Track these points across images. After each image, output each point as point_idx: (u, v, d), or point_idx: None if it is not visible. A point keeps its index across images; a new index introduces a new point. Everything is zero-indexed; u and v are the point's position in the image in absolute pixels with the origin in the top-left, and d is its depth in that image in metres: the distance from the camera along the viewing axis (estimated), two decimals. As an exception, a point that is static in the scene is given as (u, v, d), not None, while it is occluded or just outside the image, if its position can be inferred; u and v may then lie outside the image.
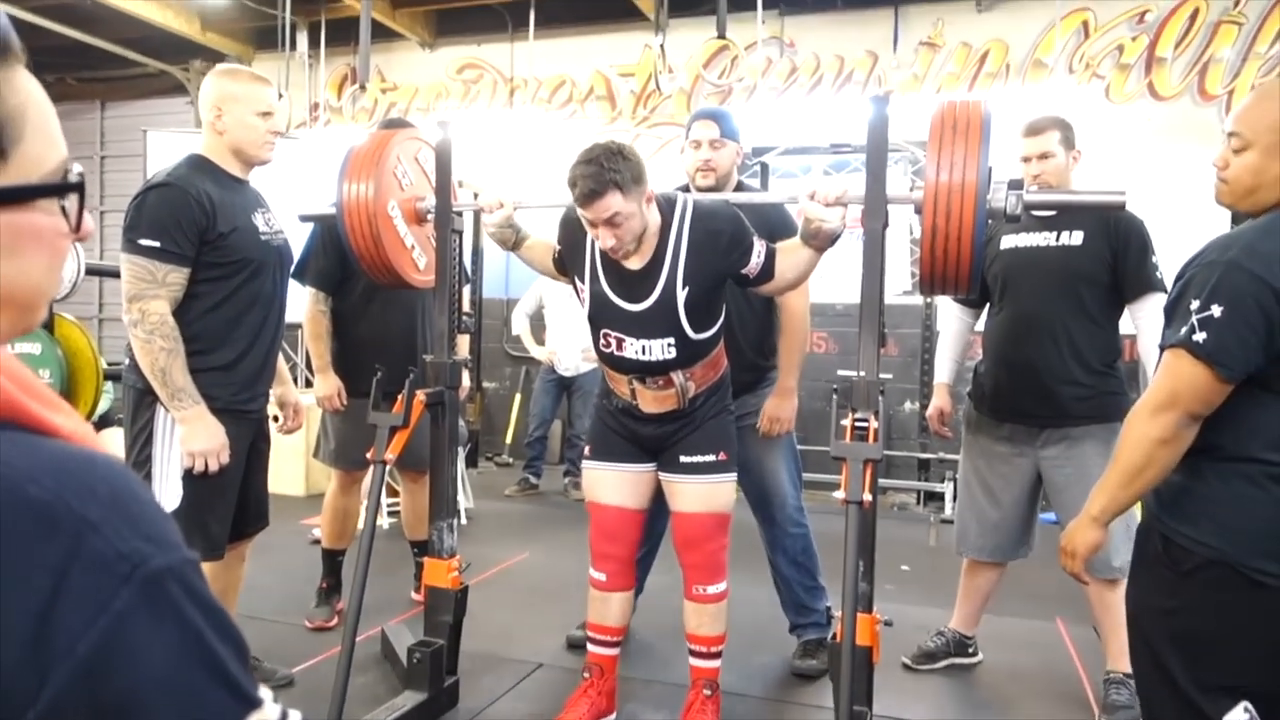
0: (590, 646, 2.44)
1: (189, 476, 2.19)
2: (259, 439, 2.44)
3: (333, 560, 3.25)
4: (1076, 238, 2.53)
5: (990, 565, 2.80)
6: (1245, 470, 1.46)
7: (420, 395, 2.35)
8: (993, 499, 2.71)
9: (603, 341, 2.24)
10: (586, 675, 2.42)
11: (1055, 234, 2.56)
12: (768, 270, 2.15)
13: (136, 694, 0.48)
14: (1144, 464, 1.51)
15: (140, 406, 2.23)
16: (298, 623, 3.11)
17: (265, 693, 0.54)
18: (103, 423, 6.26)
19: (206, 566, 2.31)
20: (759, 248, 2.14)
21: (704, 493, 2.27)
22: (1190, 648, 1.52)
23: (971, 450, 2.78)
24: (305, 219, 2.64)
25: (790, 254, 2.14)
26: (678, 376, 2.20)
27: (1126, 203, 2.00)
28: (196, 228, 2.16)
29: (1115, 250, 2.50)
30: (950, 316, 2.95)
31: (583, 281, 2.24)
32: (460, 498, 4.77)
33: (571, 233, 2.26)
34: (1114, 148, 5.35)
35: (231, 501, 2.32)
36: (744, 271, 2.15)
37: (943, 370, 2.92)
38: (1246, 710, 1.01)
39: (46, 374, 2.84)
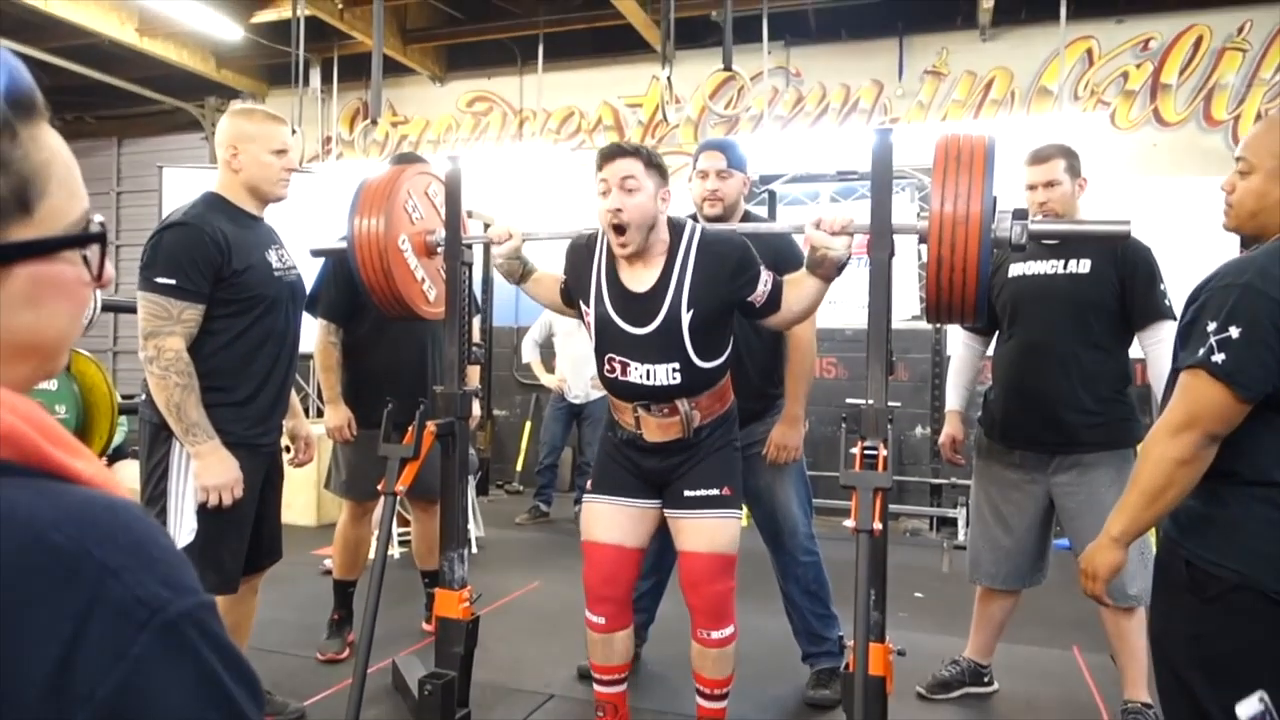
0: (598, 687, 2.38)
1: (203, 511, 2.20)
2: (273, 472, 2.45)
3: (344, 591, 3.25)
4: (1084, 266, 2.53)
5: (1004, 593, 2.77)
6: (1265, 494, 1.47)
7: (431, 426, 2.36)
8: (1005, 526, 2.69)
9: (607, 367, 2.21)
10: (601, 715, 2.39)
11: (1063, 262, 2.56)
12: (774, 301, 2.14)
13: None
14: (1165, 485, 1.52)
15: (156, 441, 2.25)
16: (309, 655, 3.11)
17: None
18: (117, 455, 6.33)
19: (220, 600, 2.31)
20: (766, 277, 2.14)
21: (709, 529, 2.21)
22: (1217, 673, 1.51)
23: (983, 477, 2.77)
24: (316, 254, 2.66)
25: (797, 286, 2.13)
26: (683, 405, 2.17)
27: (1131, 233, 2.00)
28: (211, 265, 2.19)
29: (1123, 278, 2.50)
30: (959, 344, 2.95)
31: (588, 305, 2.22)
32: (471, 526, 4.77)
33: (578, 257, 2.27)
34: (1120, 174, 5.37)
35: (245, 536, 2.32)
36: (750, 300, 2.14)
37: (954, 397, 2.92)
38: (1262, 700, 1.00)
39: (62, 409, 2.86)
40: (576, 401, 5.30)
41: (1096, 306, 2.51)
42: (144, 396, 2.27)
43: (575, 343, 5.23)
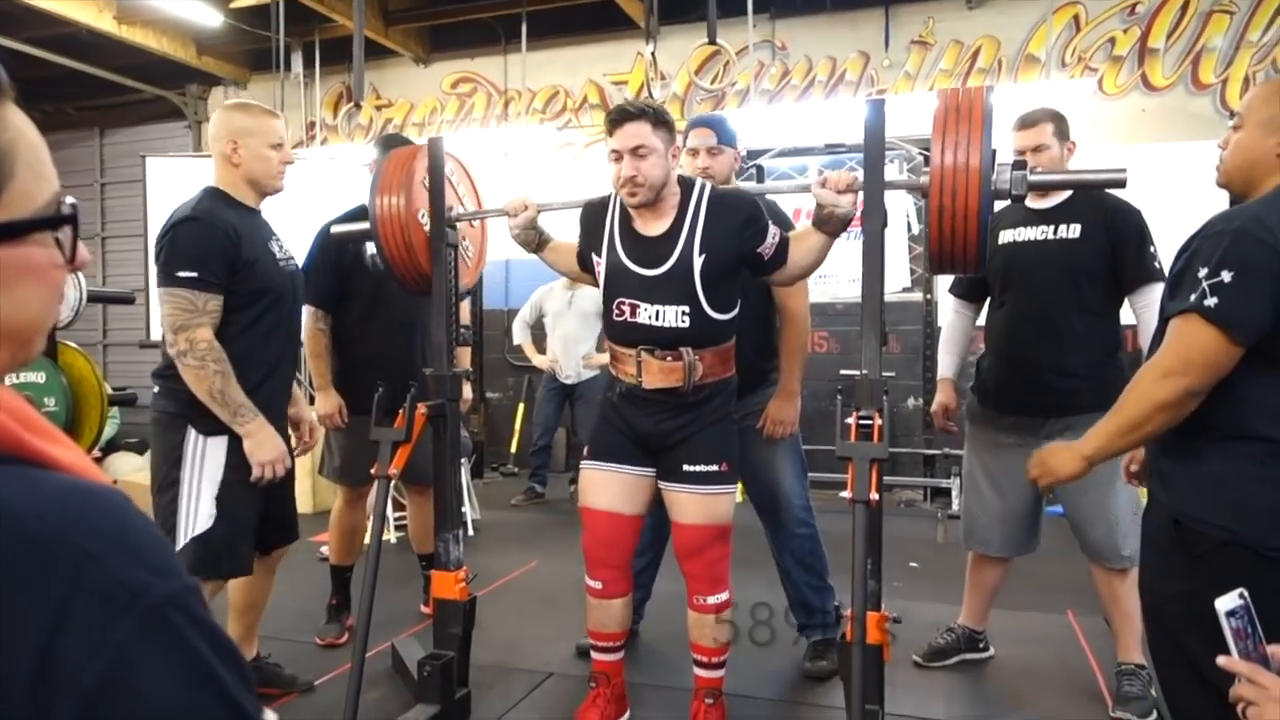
0: (594, 654, 2.43)
1: (218, 499, 2.24)
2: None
3: (341, 577, 3.26)
4: (1074, 230, 2.53)
5: (997, 560, 2.79)
6: (1252, 450, 1.48)
7: (421, 409, 2.36)
8: (998, 491, 2.70)
9: (615, 311, 2.24)
10: (593, 685, 2.42)
11: (1054, 228, 2.56)
12: (781, 255, 2.19)
13: None
14: (1142, 422, 1.56)
15: (170, 430, 2.28)
16: (308, 640, 3.11)
17: (270, 715, 0.54)
18: (110, 448, 6.31)
19: (236, 582, 2.39)
20: (774, 231, 2.19)
21: (705, 504, 2.25)
22: (1209, 629, 1.44)
23: (976, 444, 2.78)
24: (339, 234, 2.69)
25: (803, 241, 2.19)
26: (687, 353, 2.18)
27: (1128, 179, 2.01)
28: (226, 257, 2.23)
29: (1114, 242, 2.50)
30: (951, 311, 2.95)
31: (600, 256, 2.28)
32: (466, 509, 4.78)
33: (592, 214, 2.34)
34: (1109, 140, 5.36)
35: (255, 519, 2.36)
36: (759, 251, 2.18)
37: (945, 365, 2.92)
38: (1242, 596, 1.02)
39: (52, 401, 2.85)
40: (568, 381, 5.29)
41: (1088, 271, 2.51)
42: (157, 388, 2.31)
43: (565, 323, 5.22)
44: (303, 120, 6.98)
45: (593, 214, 2.34)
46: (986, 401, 2.72)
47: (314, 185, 5.52)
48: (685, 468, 2.24)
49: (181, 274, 2.18)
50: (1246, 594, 1.02)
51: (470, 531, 4.72)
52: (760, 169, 5.57)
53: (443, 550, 2.51)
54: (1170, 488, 1.57)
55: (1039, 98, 5.48)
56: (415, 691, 2.50)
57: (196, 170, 6.41)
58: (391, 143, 3.03)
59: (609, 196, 2.30)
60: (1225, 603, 1.02)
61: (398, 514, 4.56)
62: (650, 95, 6.26)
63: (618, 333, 2.27)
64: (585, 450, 2.41)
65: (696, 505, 2.24)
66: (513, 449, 6.53)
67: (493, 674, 2.81)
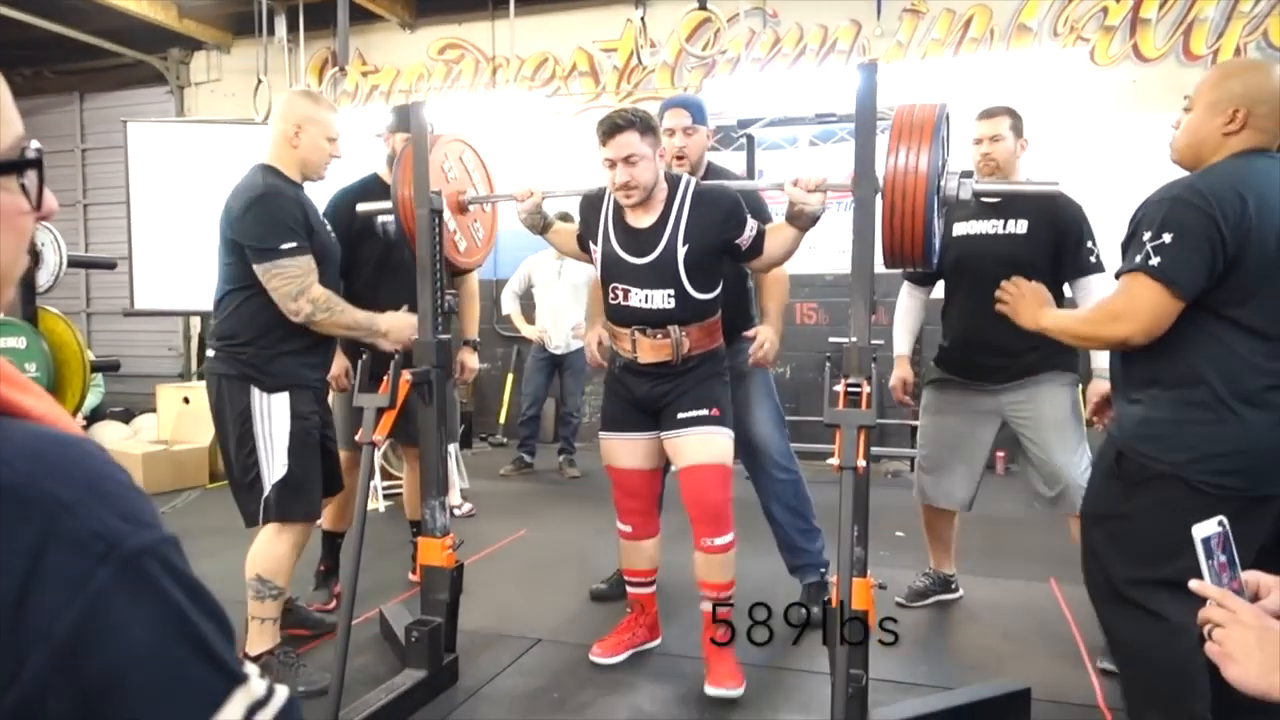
0: (629, 588, 2.74)
1: (289, 450, 2.46)
2: (324, 410, 2.71)
3: (332, 543, 3.26)
4: (1021, 226, 2.72)
5: (947, 512, 3.00)
6: (1196, 396, 1.70)
7: (406, 375, 2.37)
8: (958, 451, 2.88)
9: (611, 295, 2.48)
10: (630, 610, 2.76)
11: (1003, 222, 2.75)
12: (757, 245, 2.41)
13: (119, 672, 0.48)
14: (1086, 341, 1.97)
15: (236, 392, 2.47)
16: (298, 605, 3.11)
17: (251, 668, 0.54)
18: (94, 416, 6.27)
19: (301, 528, 2.56)
20: (752, 224, 2.40)
21: (701, 443, 2.45)
22: (1139, 547, 1.77)
23: (934, 400, 2.96)
24: (364, 211, 2.78)
25: (776, 233, 2.40)
26: (675, 331, 2.42)
27: (1060, 192, 2.26)
28: (304, 223, 2.45)
29: (1056, 238, 2.69)
30: (903, 294, 3.12)
31: (596, 244, 2.51)
32: (456, 478, 4.78)
33: (589, 206, 2.56)
34: (1099, 111, 5.34)
35: (319, 468, 2.59)
36: (738, 242, 2.40)
37: (901, 343, 3.10)
38: (1221, 524, 1.05)
39: (33, 367, 2.82)
40: (557, 352, 5.28)
41: (1032, 265, 2.61)
42: (211, 354, 2.51)
43: (554, 293, 5.20)
44: (287, 86, 6.87)
45: (590, 205, 2.56)
46: (948, 368, 2.91)
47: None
48: (680, 415, 2.47)
49: (284, 246, 2.37)
50: (1226, 522, 1.04)
51: (458, 500, 4.72)
52: (750, 138, 5.52)
53: (429, 517, 2.52)
54: (1123, 427, 1.81)
55: (1031, 67, 5.49)
56: (403, 657, 2.51)
57: (179, 136, 6.35)
58: (406, 113, 3.02)
59: (604, 189, 2.49)
60: (1202, 529, 1.04)
61: (388, 483, 4.56)
62: (640, 63, 6.21)
63: (614, 314, 2.51)
64: (600, 421, 2.67)
65: (694, 446, 2.45)
66: (501, 419, 6.53)
67: (481, 640, 2.82)
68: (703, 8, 5.69)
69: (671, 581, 3.20)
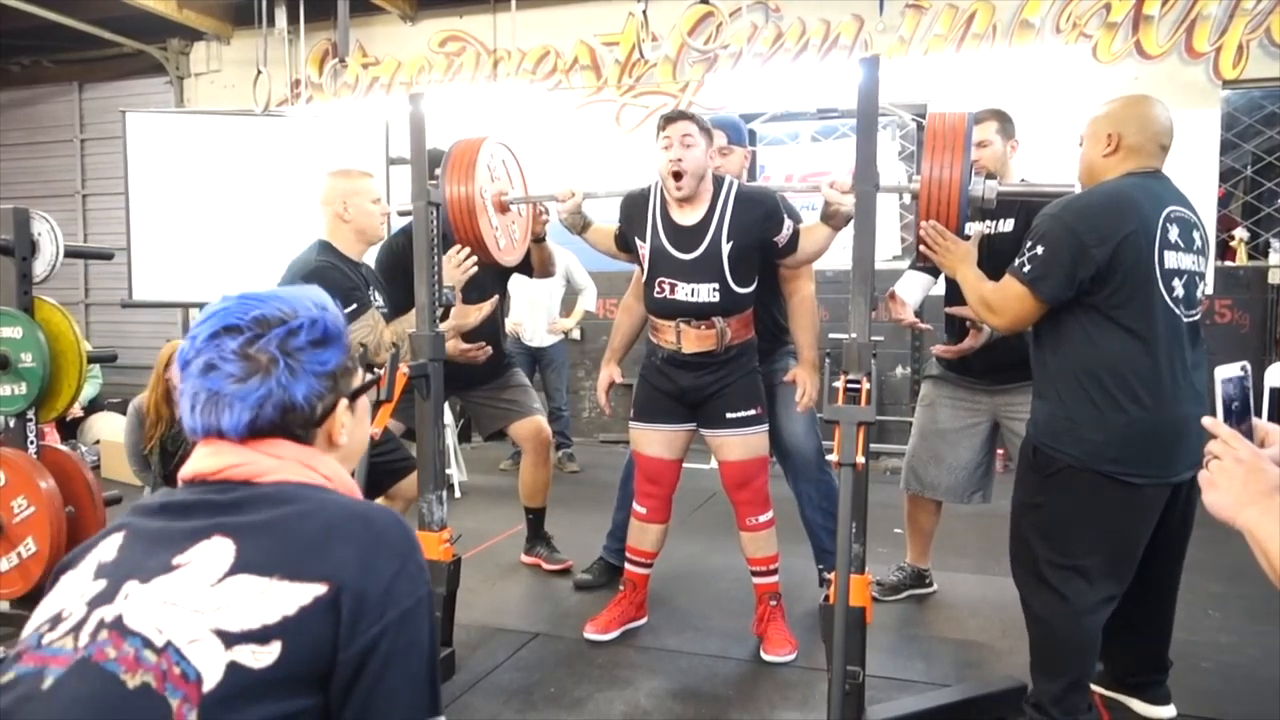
0: (628, 565, 2.87)
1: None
2: None
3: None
4: (1008, 225, 2.73)
5: (931, 505, 3.02)
6: (1088, 393, 1.95)
7: (403, 369, 2.37)
8: (950, 443, 2.89)
9: (657, 289, 2.62)
10: (622, 587, 2.88)
11: (995, 222, 2.75)
12: (793, 243, 2.58)
13: (407, 653, 0.84)
14: (970, 306, 2.19)
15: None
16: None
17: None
18: (92, 407, 6.26)
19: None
20: (789, 224, 2.58)
21: (747, 442, 2.67)
22: (1051, 534, 2.02)
23: (931, 394, 2.97)
24: (403, 214, 2.79)
25: (811, 232, 2.57)
26: (719, 321, 2.57)
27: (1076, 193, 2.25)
28: (363, 285, 2.71)
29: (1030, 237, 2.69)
30: (908, 273, 3.03)
31: (643, 241, 2.64)
32: (453, 471, 4.78)
33: (633, 204, 2.69)
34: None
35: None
36: (776, 239, 2.57)
37: (906, 293, 2.92)
38: (1243, 369, 1.10)
39: (29, 357, 2.80)
40: (532, 344, 5.24)
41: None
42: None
43: (529, 287, 5.15)
44: (287, 77, 6.85)
45: (634, 204, 2.69)
46: (949, 365, 2.90)
47: (299, 144, 5.45)
48: (728, 415, 2.64)
49: (346, 311, 2.38)
50: (1248, 367, 1.10)
51: (457, 494, 4.72)
52: (752, 134, 5.51)
53: (426, 510, 2.51)
54: (1035, 422, 2.08)
55: (1033, 63, 5.47)
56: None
57: (178, 126, 6.32)
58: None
59: (648, 188, 2.65)
60: (1224, 371, 1.09)
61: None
62: (642, 56, 6.18)
63: (659, 307, 2.64)
64: (632, 412, 2.81)
65: (741, 444, 2.66)
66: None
67: (478, 634, 2.82)
68: (705, 2, 5.66)
69: (672, 580, 3.20)
